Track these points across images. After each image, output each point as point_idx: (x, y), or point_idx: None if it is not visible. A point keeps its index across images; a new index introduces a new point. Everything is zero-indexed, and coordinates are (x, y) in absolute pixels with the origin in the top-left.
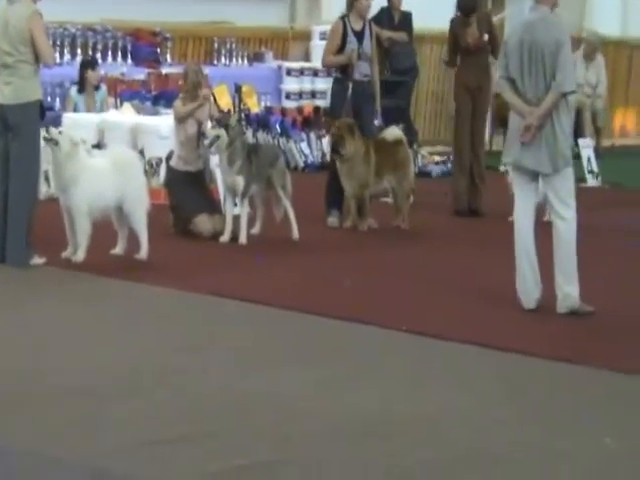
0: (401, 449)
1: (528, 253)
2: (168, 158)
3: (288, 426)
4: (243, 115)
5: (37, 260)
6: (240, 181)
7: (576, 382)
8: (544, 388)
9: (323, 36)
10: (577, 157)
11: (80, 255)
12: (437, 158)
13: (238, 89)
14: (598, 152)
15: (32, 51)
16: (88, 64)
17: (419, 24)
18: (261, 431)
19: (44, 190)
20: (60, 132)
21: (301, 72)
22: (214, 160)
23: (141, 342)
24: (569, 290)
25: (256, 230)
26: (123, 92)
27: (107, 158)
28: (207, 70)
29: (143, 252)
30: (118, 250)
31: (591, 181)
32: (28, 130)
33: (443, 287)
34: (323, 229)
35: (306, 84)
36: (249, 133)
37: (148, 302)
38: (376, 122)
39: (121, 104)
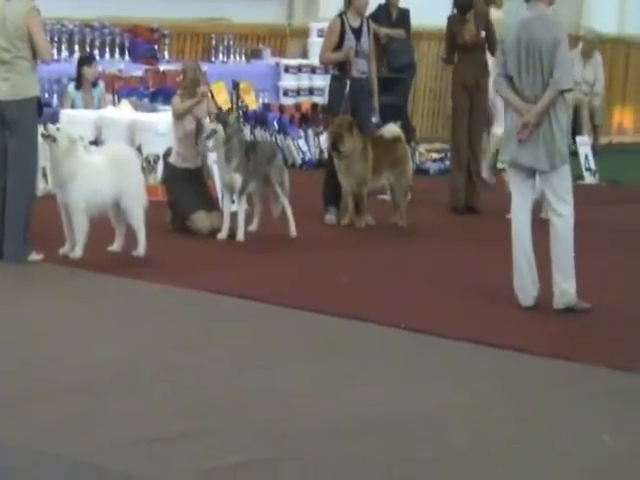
0: (399, 446)
1: (525, 250)
2: (166, 155)
3: (286, 423)
4: (241, 112)
5: (35, 256)
6: (238, 178)
7: (574, 379)
8: (542, 386)
9: (321, 33)
10: (575, 155)
11: (78, 252)
12: (435, 155)
13: (236, 86)
14: (595, 150)
15: (30, 47)
16: (85, 60)
17: (417, 21)
18: (259, 428)
19: (42, 187)
20: (58, 129)
21: (299, 69)
22: (212, 157)
23: (139, 339)
24: (566, 286)
25: (254, 227)
26: (121, 89)
27: (104, 155)
28: (205, 67)
29: (141, 249)
30: (115, 247)
31: (588, 178)
32: (25, 126)
33: (441, 284)
34: (321, 226)
35: (304, 81)
36: (247, 130)
37: (146, 299)
38: (374, 119)
39: (119, 101)
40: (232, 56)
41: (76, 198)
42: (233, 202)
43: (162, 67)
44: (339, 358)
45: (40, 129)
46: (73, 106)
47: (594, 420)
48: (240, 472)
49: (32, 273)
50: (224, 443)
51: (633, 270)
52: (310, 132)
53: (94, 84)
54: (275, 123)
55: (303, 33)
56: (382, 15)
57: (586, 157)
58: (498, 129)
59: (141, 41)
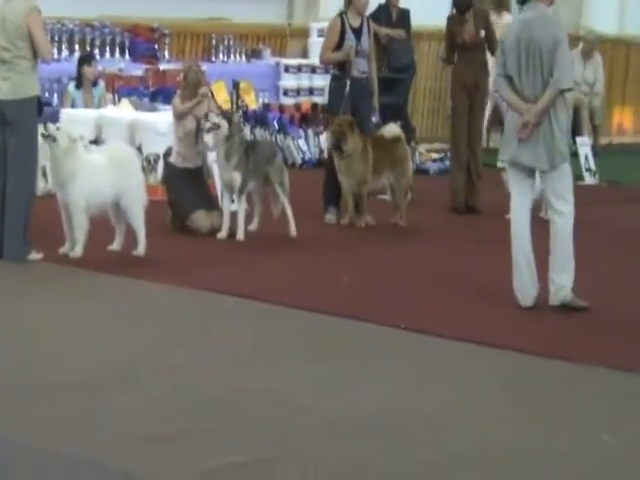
0: (398, 447)
1: (525, 250)
2: (166, 154)
3: (285, 423)
4: (241, 112)
5: (34, 256)
6: (237, 177)
7: (573, 380)
8: (541, 386)
9: (321, 33)
10: (575, 155)
11: (78, 251)
12: (434, 155)
13: (236, 85)
14: (595, 150)
15: (30, 47)
16: (85, 60)
17: (417, 21)
18: (258, 427)
19: (42, 186)
20: (58, 128)
21: (299, 69)
22: (211, 156)
23: (139, 338)
24: (562, 282)
25: (254, 227)
26: (121, 88)
27: (105, 154)
28: (205, 66)
29: (141, 248)
30: (115, 246)
31: (588, 179)
32: (26, 126)
33: (441, 284)
34: (321, 226)
35: (304, 81)
36: (247, 130)
37: (145, 298)
38: (374, 119)
39: (119, 100)
40: (232, 56)
41: (76, 197)
42: (233, 201)
43: (162, 67)
44: (339, 358)
45: (40, 129)
46: (73, 105)
47: (594, 420)
48: (240, 471)
49: (32, 272)
50: (224, 442)
51: (633, 271)
52: (310, 132)
53: (94, 83)
54: (275, 123)
55: (303, 33)
56: (382, 15)
57: (586, 158)
58: None
59: (141, 40)
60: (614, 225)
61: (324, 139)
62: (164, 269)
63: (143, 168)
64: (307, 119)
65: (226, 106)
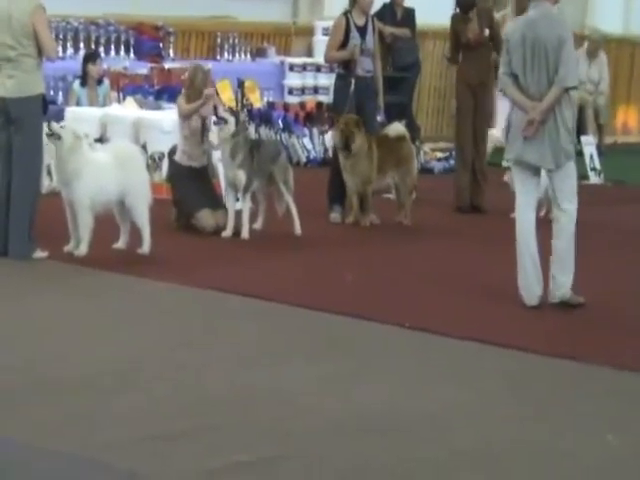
0: (403, 446)
1: (530, 249)
2: (171, 153)
3: (290, 422)
4: (246, 110)
5: (39, 254)
6: (242, 175)
7: (578, 379)
8: (546, 385)
9: (326, 32)
10: (579, 154)
11: (82, 249)
12: (439, 154)
13: (241, 84)
14: (600, 149)
15: (35, 45)
16: (90, 58)
17: (422, 20)
18: (263, 427)
19: (47, 184)
20: (62, 127)
21: (304, 68)
22: (216, 155)
23: (143, 337)
24: (563, 280)
25: (258, 225)
26: (126, 86)
27: (109, 152)
28: (210, 65)
29: (145, 247)
30: (120, 244)
31: (593, 178)
32: (31, 124)
33: (445, 283)
34: (325, 225)
35: (309, 80)
36: (251, 128)
37: (150, 297)
38: (379, 118)
39: (124, 98)
40: (237, 54)
41: (81, 195)
42: (237, 200)
43: (167, 65)
44: (343, 357)
45: (45, 128)
46: (78, 103)
47: (598, 420)
48: (244, 470)
49: (37, 270)
50: (228, 441)
51: (638, 270)
52: (315, 131)
53: (99, 82)
54: (280, 121)
55: (308, 31)
56: (387, 14)
57: (591, 157)
58: (493, 130)
59: (146, 39)
60: (619, 224)
61: (329, 138)
62: (169, 267)
63: (148, 166)
64: (312, 118)
65: (231, 105)
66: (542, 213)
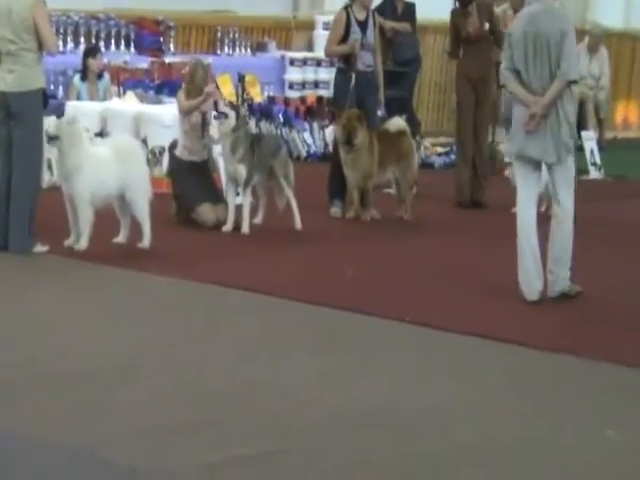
0: (403, 440)
1: (531, 244)
2: (171, 147)
3: (291, 416)
4: (246, 105)
5: (40, 248)
6: (242, 170)
7: (578, 374)
8: (546, 380)
9: (326, 26)
10: (580, 149)
11: (83, 243)
12: (440, 149)
13: (241, 78)
14: (601, 144)
15: (35, 39)
16: (90, 52)
17: (422, 14)
18: (263, 421)
19: (47, 178)
20: (73, 122)
21: (304, 62)
22: (217, 149)
23: (144, 331)
24: (562, 274)
25: (259, 220)
26: (126, 81)
27: (110, 147)
28: (210, 59)
29: (146, 241)
30: (121, 239)
31: (594, 173)
32: (31, 118)
33: (446, 278)
34: (326, 219)
35: (309, 74)
36: (252, 123)
37: (150, 291)
38: (379, 113)
39: (124, 93)
40: (237, 49)
41: (81, 189)
42: (238, 194)
43: (168, 59)
44: (344, 351)
45: (45, 127)
46: (79, 98)
47: (599, 415)
48: (244, 465)
49: (37, 265)
50: (228, 435)
51: (638, 265)
52: (315, 125)
53: (99, 76)
54: (280, 116)
55: (308, 26)
56: (388, 8)
57: (591, 152)
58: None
59: (146, 33)
60: (619, 219)
61: (329, 132)
62: (169, 262)
63: (148, 161)
64: (312, 112)
65: (231, 99)
66: (542, 208)
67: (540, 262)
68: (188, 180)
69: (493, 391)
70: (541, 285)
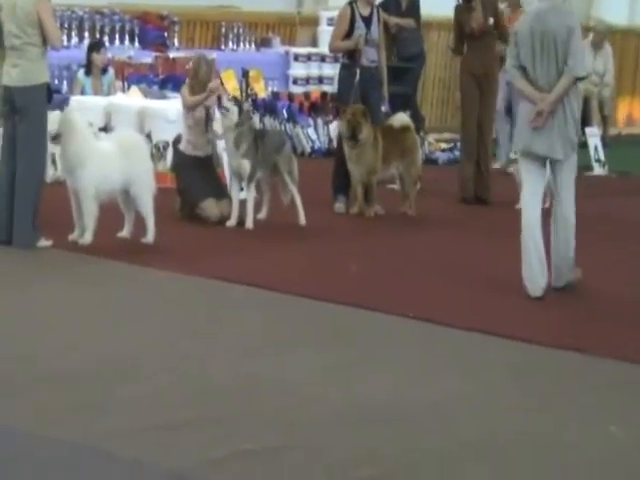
0: (407, 436)
1: (535, 240)
2: (175, 142)
3: (294, 412)
4: (250, 100)
5: (44, 242)
6: (246, 165)
7: (582, 370)
8: (550, 376)
9: (330, 22)
10: (584, 146)
11: (87, 238)
12: (444, 145)
13: (245, 74)
14: (605, 141)
15: (40, 33)
16: (94, 47)
17: (426, 10)
18: (267, 416)
19: (51, 173)
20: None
21: (308, 57)
22: (221, 144)
23: (147, 326)
24: (565, 270)
25: (263, 215)
26: (130, 75)
27: (114, 141)
28: (214, 54)
29: (150, 236)
30: (125, 233)
31: (598, 170)
32: (35, 113)
33: (450, 274)
34: (330, 215)
35: (313, 70)
36: (256, 118)
37: (154, 286)
38: (383, 108)
39: (128, 87)
40: (242, 44)
41: (86, 184)
42: (242, 189)
43: (172, 54)
44: (348, 347)
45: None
46: (83, 93)
47: (602, 411)
48: (248, 460)
49: (41, 259)
50: (232, 431)
51: None
52: (319, 121)
53: (104, 71)
54: (284, 111)
55: (313, 21)
56: (392, 4)
57: (595, 148)
58: None
59: (151, 28)
60: (623, 216)
61: (333, 128)
62: (173, 257)
63: (152, 155)
64: (316, 108)
65: (235, 94)
66: (546, 204)
67: (544, 259)
68: (192, 175)
69: (497, 387)
70: (545, 282)
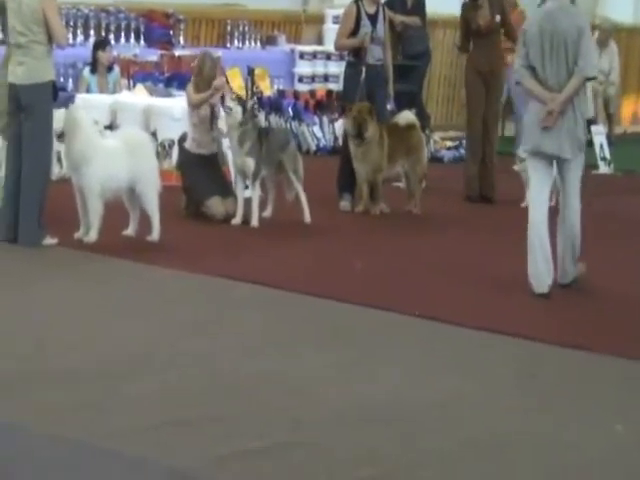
0: (410, 435)
1: (541, 238)
2: (181, 140)
3: (295, 411)
4: (256, 98)
5: (49, 240)
6: (250, 162)
7: (585, 369)
8: (553, 375)
9: (336, 20)
10: (589, 144)
11: (92, 236)
12: (449, 143)
13: (251, 72)
14: (610, 139)
15: (45, 31)
16: (100, 45)
17: (432, 9)
18: (270, 415)
19: (56, 171)
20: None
21: (314, 55)
22: (226, 142)
23: (152, 324)
24: (571, 268)
25: (268, 213)
26: (136, 73)
27: (119, 139)
28: (220, 52)
29: (155, 234)
30: (130, 231)
31: (603, 168)
32: (41, 110)
33: (455, 272)
34: (335, 213)
35: (319, 68)
36: (261, 116)
37: (159, 284)
38: (389, 106)
39: (134, 85)
40: (247, 42)
41: (91, 182)
42: (247, 187)
43: (177, 52)
44: (351, 345)
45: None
46: (88, 90)
47: (603, 410)
48: (251, 458)
49: (46, 257)
50: (234, 429)
51: None
52: (325, 119)
53: (109, 69)
54: (290, 109)
55: (318, 19)
56: (397, 2)
57: (601, 146)
58: None
59: (156, 26)
60: (629, 214)
61: (339, 126)
62: (178, 255)
63: (157, 153)
64: (322, 106)
65: (241, 93)
66: (552, 203)
67: (550, 257)
68: (197, 173)
69: (499, 386)
70: (550, 280)
